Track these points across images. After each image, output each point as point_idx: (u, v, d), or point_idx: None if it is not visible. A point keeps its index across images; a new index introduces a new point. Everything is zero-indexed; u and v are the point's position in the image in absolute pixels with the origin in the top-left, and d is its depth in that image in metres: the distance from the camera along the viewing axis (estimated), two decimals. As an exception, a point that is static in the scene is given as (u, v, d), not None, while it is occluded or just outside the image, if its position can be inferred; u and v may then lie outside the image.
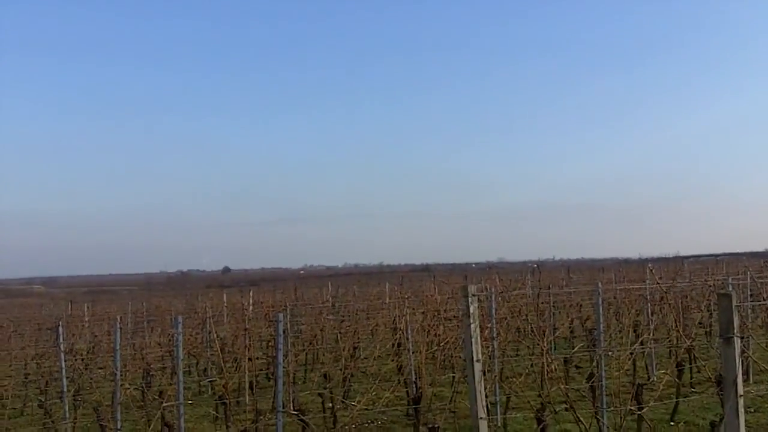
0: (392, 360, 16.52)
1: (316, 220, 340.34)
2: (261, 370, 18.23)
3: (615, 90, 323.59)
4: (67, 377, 13.60)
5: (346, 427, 14.35)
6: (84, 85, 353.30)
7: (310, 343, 20.69)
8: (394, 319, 18.87)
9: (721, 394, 10.78)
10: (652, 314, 17.65)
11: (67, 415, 13.16)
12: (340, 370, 15.65)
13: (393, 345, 16.78)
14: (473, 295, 8.59)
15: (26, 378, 19.82)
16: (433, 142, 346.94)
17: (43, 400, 13.58)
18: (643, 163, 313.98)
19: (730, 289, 15.64)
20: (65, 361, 13.60)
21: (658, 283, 12.15)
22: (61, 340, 13.40)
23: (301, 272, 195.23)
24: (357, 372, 17.69)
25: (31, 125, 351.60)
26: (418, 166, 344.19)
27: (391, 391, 14.57)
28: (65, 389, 13.28)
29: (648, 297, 18.45)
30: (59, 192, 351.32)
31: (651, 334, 15.27)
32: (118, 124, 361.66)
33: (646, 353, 16.66)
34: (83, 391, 15.21)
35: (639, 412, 10.03)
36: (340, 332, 19.74)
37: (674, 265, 60.14)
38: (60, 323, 13.74)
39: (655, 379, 15.90)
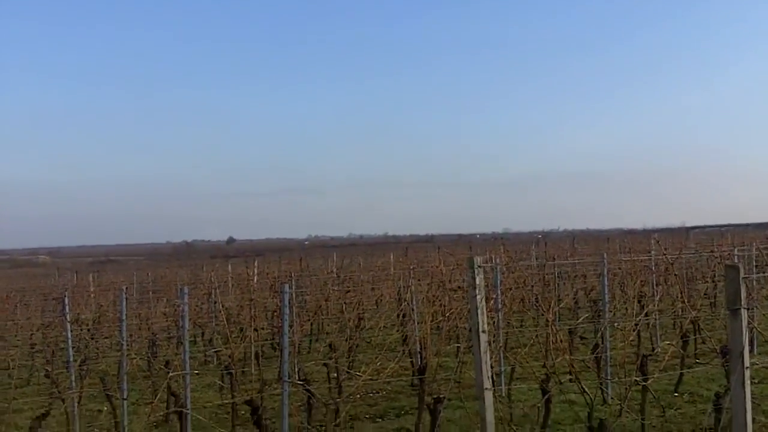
0: (397, 331, 16.57)
1: (321, 191, 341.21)
2: (266, 340, 18.28)
3: (620, 59, 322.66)
4: (73, 347, 13.62)
5: (352, 396, 14.40)
6: (90, 55, 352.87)
7: (315, 314, 20.72)
8: (399, 290, 18.91)
9: (726, 366, 10.79)
10: (657, 285, 17.67)
11: (74, 384, 13.20)
12: (345, 340, 15.69)
13: (398, 316, 16.83)
14: (479, 267, 8.60)
15: (32, 348, 19.88)
16: (437, 112, 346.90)
17: (49, 369, 13.61)
18: (648, 134, 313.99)
19: (736, 260, 15.62)
20: (71, 331, 13.62)
21: (664, 254, 12.15)
22: (67, 310, 13.43)
23: (306, 243, 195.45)
24: (362, 342, 17.74)
25: (35, 95, 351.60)
26: (422, 136, 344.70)
27: (396, 362, 14.61)
28: (71, 359, 13.31)
29: (653, 268, 18.45)
30: (64, 162, 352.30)
31: (656, 305, 15.29)
32: (123, 94, 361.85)
33: (650, 324, 16.69)
34: (89, 360, 15.25)
35: (643, 383, 10.06)
36: (345, 303, 19.78)
37: (679, 235, 60.10)
38: (66, 293, 13.76)
39: (659, 350, 15.92)
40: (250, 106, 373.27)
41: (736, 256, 16.69)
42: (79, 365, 14.20)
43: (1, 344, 16.96)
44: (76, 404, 13.31)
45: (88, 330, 17.80)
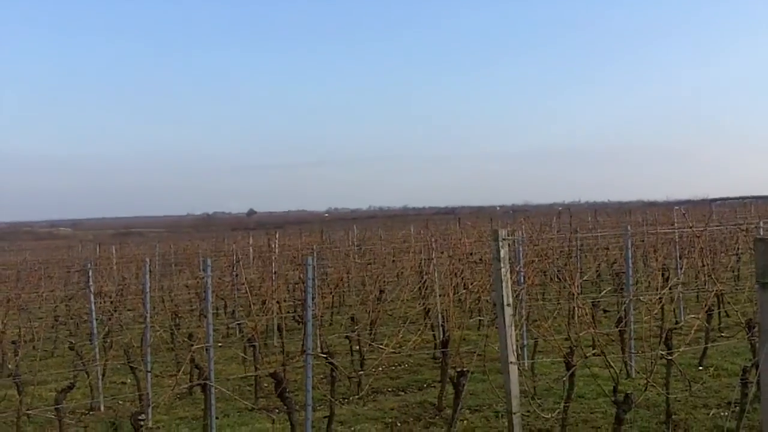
0: (419, 304, 16.54)
1: (341, 163, 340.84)
2: (288, 312, 18.31)
3: (641, 29, 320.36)
4: (96, 319, 13.67)
5: (374, 369, 14.41)
6: (110, 24, 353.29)
7: (337, 286, 20.74)
8: (421, 262, 18.87)
9: (753, 339, 10.74)
10: (680, 258, 17.57)
11: (98, 356, 13.25)
12: (367, 313, 15.69)
13: (420, 288, 16.79)
14: (504, 239, 8.56)
15: (56, 320, 19.97)
16: (458, 83, 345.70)
17: (73, 342, 13.65)
18: (670, 105, 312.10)
19: (761, 233, 15.49)
20: (95, 303, 13.67)
21: (690, 226, 12.06)
22: (91, 282, 13.46)
23: (326, 215, 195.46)
24: (384, 315, 17.72)
25: (55, 67, 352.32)
26: (442, 108, 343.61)
27: (418, 335, 14.61)
28: (95, 331, 13.36)
29: (677, 240, 18.35)
30: (85, 134, 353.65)
31: (680, 279, 15.20)
32: (143, 66, 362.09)
33: (674, 298, 16.60)
34: (113, 333, 15.32)
35: (668, 357, 10.00)
36: (366, 275, 19.77)
37: (702, 207, 59.77)
38: (89, 265, 13.79)
39: (683, 323, 15.84)
40: (271, 77, 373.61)
41: (761, 229, 16.55)
42: (103, 337, 14.27)
43: (24, 316, 17.02)
44: (100, 376, 13.38)
45: (112, 302, 17.86)
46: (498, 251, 8.48)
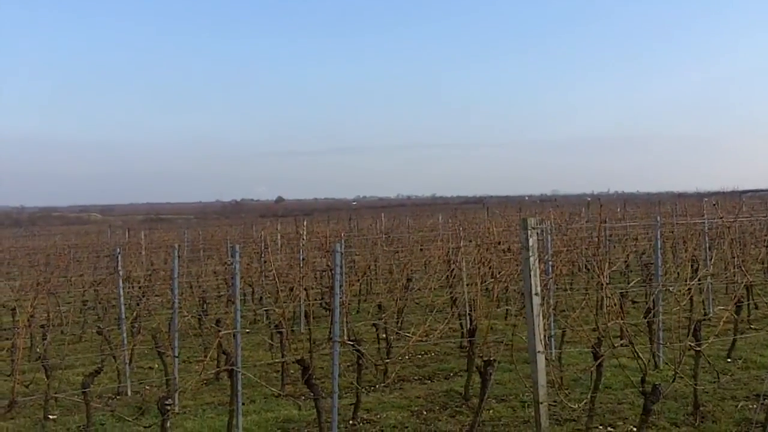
0: (446, 292, 16.51)
1: (369, 151, 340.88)
2: (315, 299, 18.33)
3: (671, 20, 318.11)
4: (125, 304, 13.74)
5: (401, 357, 14.41)
6: (142, 12, 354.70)
7: (364, 274, 20.74)
8: (449, 251, 18.84)
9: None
10: (710, 249, 17.45)
11: (125, 341, 13.32)
12: (394, 301, 15.68)
13: (447, 277, 16.77)
14: (532, 228, 8.51)
15: (85, 305, 20.09)
16: (486, 73, 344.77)
17: (101, 326, 13.74)
18: (701, 95, 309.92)
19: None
20: (123, 288, 13.73)
21: (721, 217, 11.96)
22: (120, 267, 13.51)
23: (354, 203, 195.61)
24: (411, 303, 17.71)
25: (87, 55, 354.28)
26: (471, 97, 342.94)
27: (445, 323, 14.56)
28: (123, 316, 13.42)
29: (706, 232, 18.22)
30: (116, 121, 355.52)
31: (709, 270, 15.09)
32: (173, 52, 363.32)
33: (703, 289, 16.49)
34: (141, 318, 15.38)
35: (696, 349, 9.94)
36: (394, 263, 19.76)
37: (732, 199, 59.32)
38: (119, 251, 13.84)
39: (712, 315, 15.75)
40: (301, 64, 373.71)
41: (792, 221, 16.41)
42: (131, 322, 14.33)
43: (53, 301, 17.13)
44: (127, 361, 13.45)
45: (140, 287, 17.95)
46: (527, 240, 8.44)
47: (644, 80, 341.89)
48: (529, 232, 8.43)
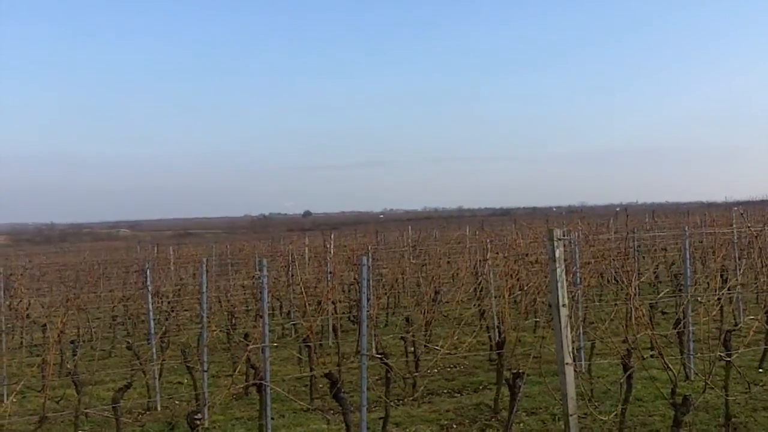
0: (474, 305, 16.48)
1: (396, 164, 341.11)
2: (344, 313, 18.32)
3: (698, 27, 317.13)
4: (154, 319, 13.78)
5: (429, 371, 14.39)
6: (167, 29, 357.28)
7: (392, 287, 20.72)
8: (476, 263, 18.80)
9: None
10: (739, 259, 17.33)
11: (155, 356, 13.37)
12: (422, 314, 15.64)
13: (475, 290, 16.73)
14: (559, 239, 8.48)
15: (114, 320, 20.18)
16: (511, 85, 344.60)
17: (130, 341, 13.80)
18: (729, 104, 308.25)
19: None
20: (152, 303, 13.78)
21: (748, 226, 11.87)
22: (149, 282, 13.57)
23: (381, 216, 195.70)
24: (439, 316, 17.67)
25: (114, 69, 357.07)
26: (496, 109, 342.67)
27: (473, 336, 14.56)
28: (152, 331, 13.47)
29: (735, 241, 18.10)
30: (145, 137, 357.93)
31: (739, 280, 14.98)
32: (201, 68, 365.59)
33: (733, 299, 16.37)
34: (170, 333, 15.44)
35: (727, 359, 9.86)
36: (421, 276, 19.73)
37: (761, 208, 58.86)
38: (148, 266, 13.91)
39: (743, 325, 15.63)
40: (327, 78, 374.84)
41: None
42: (160, 337, 14.37)
43: (83, 316, 17.22)
44: (157, 376, 13.50)
45: (169, 302, 18.02)
46: (553, 251, 8.41)
47: (672, 90, 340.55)
48: (555, 243, 8.40)
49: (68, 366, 13.69)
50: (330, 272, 16.77)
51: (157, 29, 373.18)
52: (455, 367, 15.33)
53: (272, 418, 10.88)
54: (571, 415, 8.53)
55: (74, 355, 13.42)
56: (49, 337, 12.13)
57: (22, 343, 18.85)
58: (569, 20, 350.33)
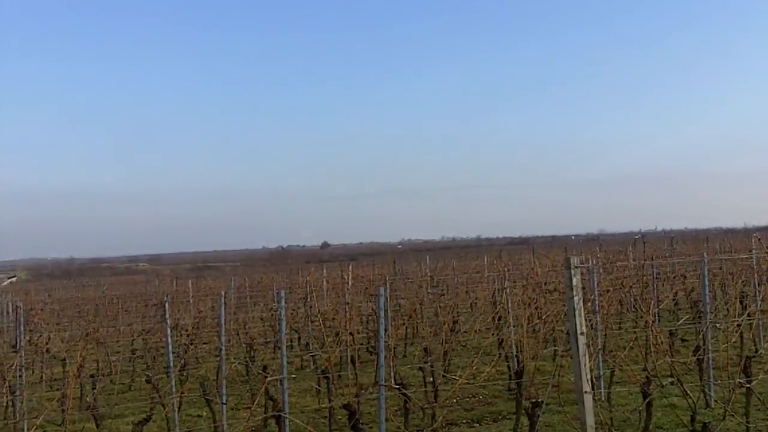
0: (492, 334, 16.45)
1: (414, 194, 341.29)
2: (362, 344, 18.29)
3: (714, 55, 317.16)
4: (173, 352, 13.79)
5: (448, 401, 14.34)
6: (183, 61, 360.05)
7: (410, 317, 20.70)
8: (494, 293, 18.78)
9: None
10: (759, 285, 17.25)
11: (174, 389, 13.37)
12: (441, 344, 15.62)
13: (493, 319, 16.70)
14: (576, 267, 8.48)
15: (133, 354, 20.23)
16: (528, 112, 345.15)
17: (150, 375, 13.81)
18: (745, 131, 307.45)
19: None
20: (171, 336, 13.80)
21: (767, 252, 11.83)
22: (168, 315, 13.60)
23: (399, 246, 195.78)
24: (457, 346, 17.64)
25: (132, 105, 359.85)
26: (514, 137, 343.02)
27: (492, 366, 14.50)
28: (171, 364, 13.48)
29: (755, 267, 18.02)
30: (162, 172, 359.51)
31: (758, 306, 14.91)
32: (216, 102, 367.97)
33: (753, 325, 16.29)
34: (189, 366, 15.45)
35: (748, 386, 9.81)
36: (439, 306, 19.71)
37: (781, 234, 58.64)
38: (166, 300, 13.94)
39: (763, 351, 15.54)
40: (342, 109, 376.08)
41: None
42: (179, 370, 14.40)
43: (103, 350, 17.27)
44: (176, 409, 13.50)
45: (188, 335, 18.05)
46: (570, 279, 8.40)
47: (691, 117, 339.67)
48: (572, 271, 8.40)
49: (88, 400, 13.74)
50: (348, 303, 16.79)
51: (174, 61, 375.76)
52: (474, 396, 15.28)
53: (291, 450, 10.86)
54: (590, 444, 8.49)
55: (94, 388, 13.46)
56: (68, 371, 12.16)
57: (42, 377, 18.88)
58: (586, 45, 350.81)
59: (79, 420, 14.18)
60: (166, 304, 13.66)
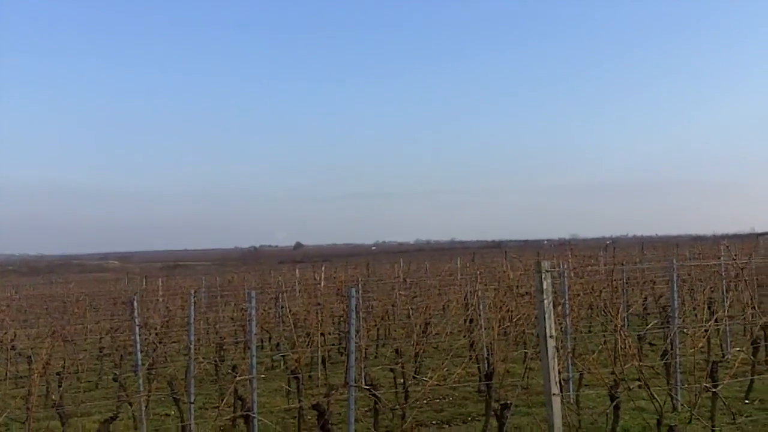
0: (464, 336, 16.51)
1: (389, 197, 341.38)
2: (333, 345, 18.30)
3: (691, 63, 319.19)
4: (141, 351, 13.74)
5: (418, 402, 14.37)
6: (158, 61, 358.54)
7: (382, 319, 20.72)
8: (466, 295, 18.83)
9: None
10: (726, 291, 17.39)
11: (142, 388, 13.31)
12: (412, 345, 15.65)
13: (465, 321, 16.76)
14: (547, 271, 8.53)
15: (101, 352, 20.13)
16: (503, 117, 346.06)
17: (117, 373, 13.77)
18: (716, 139, 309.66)
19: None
20: (140, 335, 13.76)
21: (734, 259, 11.94)
22: (136, 314, 13.55)
23: (373, 248, 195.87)
24: (429, 348, 17.68)
25: (106, 102, 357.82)
26: (488, 142, 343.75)
27: (462, 367, 14.55)
28: (139, 363, 13.43)
29: (723, 274, 18.17)
30: (134, 169, 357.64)
31: (726, 312, 15.03)
32: (190, 100, 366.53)
33: (720, 330, 16.43)
34: (157, 364, 15.40)
35: (714, 390, 9.89)
36: (411, 308, 19.75)
37: (749, 241, 59.09)
38: (135, 297, 13.89)
39: (729, 356, 15.67)
40: (316, 111, 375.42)
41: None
42: (147, 369, 14.34)
43: (70, 348, 17.17)
44: (143, 408, 13.44)
45: (157, 334, 17.99)
46: (541, 283, 8.46)
47: (662, 125, 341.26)
48: (543, 275, 8.46)
49: (53, 398, 13.64)
50: (320, 304, 16.79)
51: (147, 60, 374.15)
52: (444, 398, 15.31)
53: (260, 450, 10.85)
54: (558, 446, 8.55)
55: (60, 386, 13.38)
56: (34, 368, 12.06)
57: (6, 374, 18.74)
58: (555, 55, 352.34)
59: (44, 418, 14.09)
60: (135, 302, 13.61)
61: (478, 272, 19.29)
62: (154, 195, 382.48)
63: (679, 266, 16.41)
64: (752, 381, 13.59)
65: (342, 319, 19.02)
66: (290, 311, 15.75)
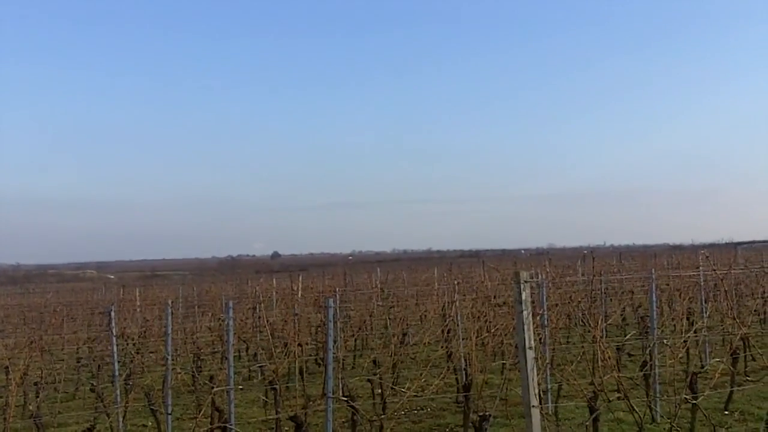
0: (442, 347, 16.45)
1: (366, 206, 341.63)
2: (310, 355, 18.20)
3: (667, 71, 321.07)
4: (118, 361, 13.65)
5: (396, 413, 14.30)
6: (136, 67, 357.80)
7: (360, 329, 20.65)
8: (444, 305, 18.79)
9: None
10: (705, 302, 17.41)
11: (119, 398, 13.23)
12: (390, 356, 15.60)
13: (442, 331, 16.71)
14: (526, 282, 8.48)
15: (78, 362, 19.99)
16: (481, 127, 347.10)
17: (94, 383, 13.66)
18: (694, 149, 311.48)
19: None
20: (117, 345, 13.66)
21: (714, 269, 11.94)
22: (113, 324, 13.45)
23: (350, 258, 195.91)
24: (406, 358, 17.63)
25: (81, 110, 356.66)
26: (464, 152, 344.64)
27: (440, 378, 14.47)
28: (117, 373, 13.34)
29: (702, 284, 18.20)
30: (111, 178, 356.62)
31: (705, 322, 15.05)
32: (167, 109, 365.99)
33: (700, 341, 16.44)
34: (134, 375, 15.29)
35: (693, 401, 9.88)
36: (389, 318, 19.69)
37: (727, 251, 59.39)
38: (112, 308, 13.79)
39: (709, 367, 15.68)
40: (293, 120, 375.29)
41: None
42: (125, 379, 14.24)
43: (47, 358, 17.05)
44: (120, 419, 13.34)
45: (134, 344, 17.88)
46: (519, 293, 8.40)
47: (639, 134, 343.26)
48: (522, 285, 8.40)
49: (31, 408, 13.55)
50: (297, 314, 16.71)
51: (118, 68, 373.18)
52: (422, 409, 15.26)
53: (237, 462, 10.76)
54: (537, 458, 8.50)
55: (37, 396, 13.27)
56: (11, 378, 11.96)
57: (-17, 385, 18.61)
58: (532, 60, 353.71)
59: (21, 428, 13.98)
60: (112, 312, 13.51)
61: (456, 282, 19.22)
62: (131, 204, 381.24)
63: (658, 276, 16.43)
64: (732, 392, 13.60)
65: (319, 329, 18.94)
66: (268, 321, 15.65)
